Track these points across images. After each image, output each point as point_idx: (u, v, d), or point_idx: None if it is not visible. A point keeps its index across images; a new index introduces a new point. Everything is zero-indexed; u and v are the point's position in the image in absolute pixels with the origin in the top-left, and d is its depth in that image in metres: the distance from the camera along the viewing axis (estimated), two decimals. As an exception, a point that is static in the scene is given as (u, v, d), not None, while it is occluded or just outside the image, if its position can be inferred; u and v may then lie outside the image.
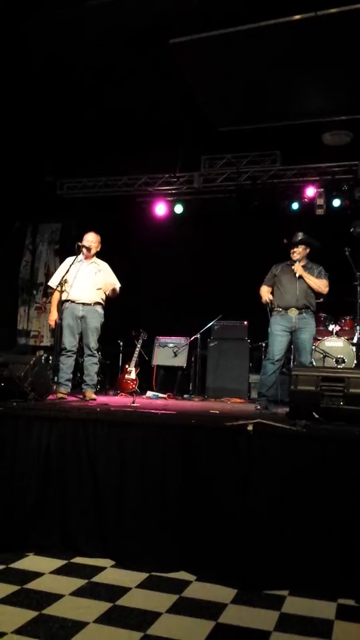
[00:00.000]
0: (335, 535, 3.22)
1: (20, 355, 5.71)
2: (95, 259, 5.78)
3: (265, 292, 5.63)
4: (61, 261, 6.23)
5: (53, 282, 5.70)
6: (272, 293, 5.62)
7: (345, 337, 6.90)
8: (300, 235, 5.61)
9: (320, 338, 6.91)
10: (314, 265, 5.61)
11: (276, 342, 5.45)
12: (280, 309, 5.50)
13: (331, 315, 7.38)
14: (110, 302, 5.81)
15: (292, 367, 4.78)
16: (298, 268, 5.47)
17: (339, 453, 3.34)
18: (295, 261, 5.52)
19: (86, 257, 5.70)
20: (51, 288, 5.81)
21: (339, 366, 6.43)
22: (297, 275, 5.45)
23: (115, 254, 6.06)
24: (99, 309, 5.66)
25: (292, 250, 5.57)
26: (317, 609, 2.98)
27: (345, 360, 6.57)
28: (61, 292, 5.49)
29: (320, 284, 5.49)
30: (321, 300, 6.83)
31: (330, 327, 7.28)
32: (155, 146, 7.99)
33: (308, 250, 5.60)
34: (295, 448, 3.44)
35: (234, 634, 2.73)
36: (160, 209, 9.37)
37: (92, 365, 5.68)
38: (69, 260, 5.67)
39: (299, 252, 5.54)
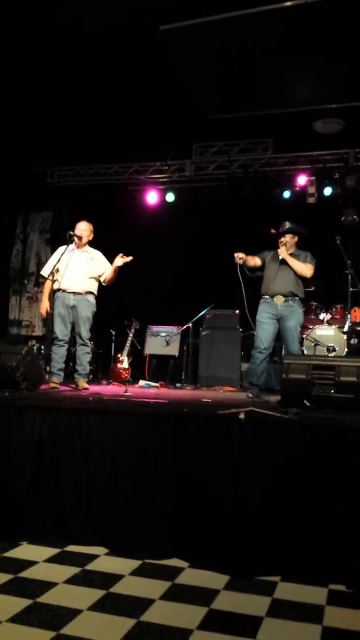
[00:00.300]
0: (327, 522, 3.25)
1: (12, 345, 5.70)
2: (87, 247, 5.76)
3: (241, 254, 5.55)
4: (52, 250, 6.21)
5: (45, 271, 5.68)
6: (255, 267, 5.59)
7: (336, 326, 6.93)
8: (287, 224, 5.62)
9: (311, 326, 6.94)
10: (301, 252, 5.63)
11: (262, 330, 5.47)
12: (267, 297, 5.52)
13: (322, 304, 7.41)
14: (103, 292, 5.80)
15: (283, 356, 4.80)
16: (282, 251, 5.49)
17: (329, 440, 3.36)
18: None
19: (78, 246, 5.68)
20: (43, 277, 5.79)
21: (329, 354, 6.47)
22: (280, 257, 5.47)
23: (106, 243, 6.04)
24: (91, 298, 5.65)
25: (280, 240, 5.58)
26: (309, 595, 3.02)
27: (336, 348, 6.61)
28: (53, 281, 5.48)
29: (304, 267, 5.50)
30: (312, 288, 6.86)
31: (321, 316, 7.31)
32: (146, 134, 7.95)
33: (296, 238, 5.62)
34: (286, 436, 3.46)
35: (227, 619, 2.76)
36: (151, 197, 9.34)
37: (84, 355, 5.68)
38: (61, 249, 5.65)
39: (286, 240, 5.56)
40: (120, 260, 5.55)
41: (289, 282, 5.46)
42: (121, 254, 5.58)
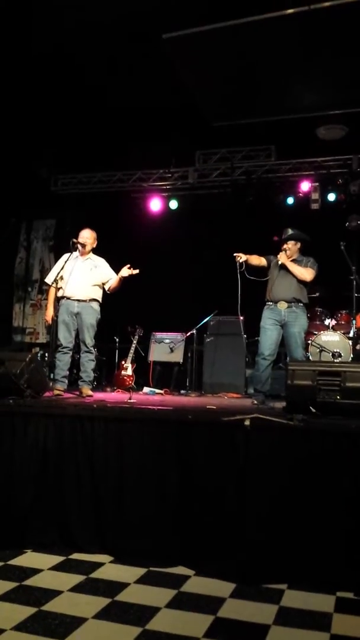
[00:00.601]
0: (334, 529, 3.23)
1: (16, 352, 5.71)
2: (91, 255, 5.77)
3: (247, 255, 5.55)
4: (56, 257, 6.24)
5: (49, 279, 5.70)
6: (259, 267, 5.59)
7: (342, 331, 6.91)
8: (289, 231, 5.62)
9: (316, 332, 6.93)
10: (304, 257, 5.62)
11: (266, 337, 5.47)
12: (270, 303, 5.51)
13: (327, 310, 7.39)
14: (106, 299, 5.80)
15: (288, 362, 4.79)
16: (282, 257, 5.49)
17: (336, 447, 3.34)
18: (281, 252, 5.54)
19: (82, 254, 5.69)
20: (47, 285, 5.80)
21: (335, 360, 6.45)
22: (279, 263, 5.45)
23: (110, 250, 6.06)
24: (95, 305, 5.66)
25: (282, 247, 5.58)
26: (316, 603, 2.99)
27: (342, 354, 6.58)
28: (57, 288, 5.49)
29: (304, 272, 5.47)
30: (317, 294, 6.85)
31: (327, 322, 7.29)
32: (149, 141, 7.97)
33: (299, 245, 5.61)
34: (292, 442, 3.44)
35: (233, 628, 2.74)
36: (155, 204, 9.36)
37: (88, 362, 5.68)
38: (65, 256, 5.66)
39: (289, 247, 5.56)
40: (126, 271, 5.56)
41: (291, 288, 5.45)
42: (128, 265, 5.58)
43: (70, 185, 9.77)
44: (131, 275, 5.58)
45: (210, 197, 9.17)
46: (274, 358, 5.57)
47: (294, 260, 5.54)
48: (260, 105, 7.07)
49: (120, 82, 7.02)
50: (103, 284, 5.72)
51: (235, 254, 5.49)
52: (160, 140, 7.94)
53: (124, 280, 5.64)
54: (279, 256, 5.53)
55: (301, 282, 5.49)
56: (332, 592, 3.10)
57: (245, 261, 5.49)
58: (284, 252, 5.53)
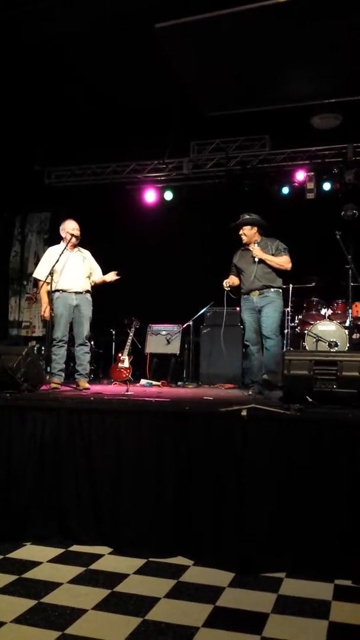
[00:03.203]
0: (332, 517, 3.24)
1: (12, 346, 5.69)
2: (79, 247, 5.76)
3: (227, 280, 5.63)
4: (52, 251, 6.18)
5: (41, 274, 5.64)
6: (238, 285, 5.64)
7: (338, 321, 6.91)
8: (246, 216, 5.55)
9: (312, 322, 6.93)
10: (268, 241, 5.50)
11: (247, 325, 5.54)
12: (244, 294, 5.54)
13: (323, 299, 7.40)
14: (103, 291, 5.81)
15: (285, 352, 4.78)
16: (257, 252, 5.39)
17: (333, 436, 3.35)
18: (248, 244, 5.49)
19: (73, 246, 5.67)
20: (39, 280, 5.74)
21: (331, 350, 6.45)
22: (256, 260, 5.38)
23: (105, 242, 6.05)
24: (89, 297, 5.71)
25: (239, 233, 5.55)
26: (314, 591, 3.00)
27: (338, 343, 6.59)
28: (50, 282, 5.45)
29: (282, 262, 5.40)
30: (313, 284, 6.83)
31: (323, 311, 7.29)
32: (143, 132, 7.93)
33: (255, 229, 5.52)
34: (289, 432, 3.45)
35: (232, 616, 2.75)
36: (149, 195, 9.32)
37: (84, 355, 5.68)
38: (55, 249, 5.67)
39: (244, 233, 5.51)
40: (113, 277, 5.73)
41: (259, 276, 5.39)
42: (116, 272, 5.77)
43: (64, 177, 9.71)
44: (112, 282, 5.78)
45: (205, 187, 9.14)
46: (260, 346, 5.54)
47: (258, 244, 5.42)
48: (255, 95, 7.03)
49: (113, 74, 6.97)
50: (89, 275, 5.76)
51: (224, 283, 5.56)
52: (155, 131, 7.90)
53: (104, 284, 5.82)
54: (254, 252, 5.39)
55: (271, 267, 5.41)
56: (331, 580, 3.11)
57: (231, 285, 5.56)
58: (256, 244, 5.43)
